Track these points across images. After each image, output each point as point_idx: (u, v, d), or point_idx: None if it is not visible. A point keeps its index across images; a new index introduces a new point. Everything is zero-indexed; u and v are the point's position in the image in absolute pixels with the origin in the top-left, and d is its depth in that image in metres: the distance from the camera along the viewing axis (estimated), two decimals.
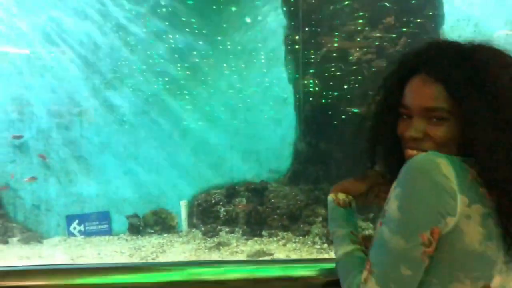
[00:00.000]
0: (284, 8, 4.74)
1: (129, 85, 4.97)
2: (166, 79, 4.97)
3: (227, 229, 4.59)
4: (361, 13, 4.43)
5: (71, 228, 4.68)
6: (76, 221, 4.67)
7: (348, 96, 4.35)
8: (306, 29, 4.50)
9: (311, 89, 4.50)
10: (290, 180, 4.70)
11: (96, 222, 4.68)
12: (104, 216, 4.69)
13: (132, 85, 4.97)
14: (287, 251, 4.21)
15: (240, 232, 4.51)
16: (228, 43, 4.95)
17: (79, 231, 4.68)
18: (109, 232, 4.67)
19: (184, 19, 4.94)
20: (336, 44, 4.46)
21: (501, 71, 0.80)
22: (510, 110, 0.78)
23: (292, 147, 4.76)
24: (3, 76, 4.82)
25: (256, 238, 4.36)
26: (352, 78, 4.36)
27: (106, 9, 4.96)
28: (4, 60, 4.85)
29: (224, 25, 4.93)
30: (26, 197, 4.74)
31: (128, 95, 4.97)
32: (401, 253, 0.75)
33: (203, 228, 4.60)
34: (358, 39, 4.46)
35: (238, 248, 4.25)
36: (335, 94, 4.44)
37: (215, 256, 4.15)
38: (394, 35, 4.41)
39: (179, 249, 4.32)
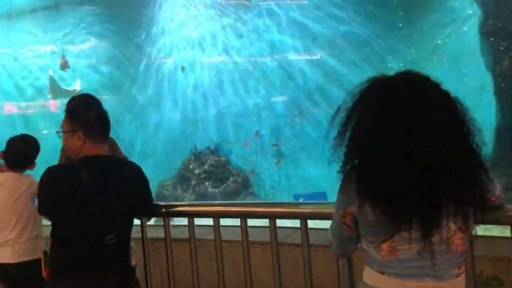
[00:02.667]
0: None
1: None
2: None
3: None
4: None
5: None
6: (301, 199, 5.86)
7: None
8: (501, 15, 4.48)
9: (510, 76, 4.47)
10: (492, 165, 4.76)
11: (316, 200, 5.77)
12: (322, 196, 5.73)
13: None
14: None
15: None
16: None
17: None
18: None
19: None
20: None
21: None
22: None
23: (493, 133, 4.81)
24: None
25: None
26: None
27: None
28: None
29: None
30: (265, 179, 6.22)
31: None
32: (333, 217, 1.47)
33: None
34: None
35: None
36: None
37: None
38: None
39: None
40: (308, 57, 6.01)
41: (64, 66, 7.01)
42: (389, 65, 5.47)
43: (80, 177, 2.12)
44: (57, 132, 2.29)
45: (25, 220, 2.80)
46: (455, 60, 5.17)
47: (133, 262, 2.66)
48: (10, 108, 7.52)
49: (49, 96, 6.99)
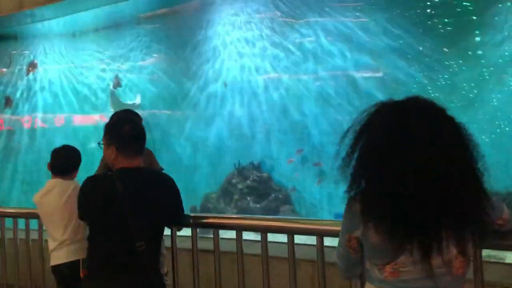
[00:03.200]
0: None
1: None
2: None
3: None
4: None
5: None
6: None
7: None
8: None
9: None
10: None
11: None
12: None
13: None
14: None
15: None
16: None
17: None
18: None
19: None
20: None
21: None
22: None
23: None
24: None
25: None
26: None
27: None
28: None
29: None
30: (306, 197, 6.25)
31: None
32: (339, 241, 1.50)
33: None
34: None
35: None
36: None
37: None
38: None
39: None
40: (357, 74, 6.00)
41: (117, 85, 7.48)
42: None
43: (115, 187, 2.31)
44: (98, 144, 2.52)
45: (75, 221, 3.04)
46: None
47: (165, 269, 2.82)
48: (73, 119, 8.05)
49: (111, 110, 7.40)
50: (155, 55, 7.53)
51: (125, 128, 2.42)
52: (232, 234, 2.50)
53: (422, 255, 1.33)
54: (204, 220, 2.57)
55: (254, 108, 6.62)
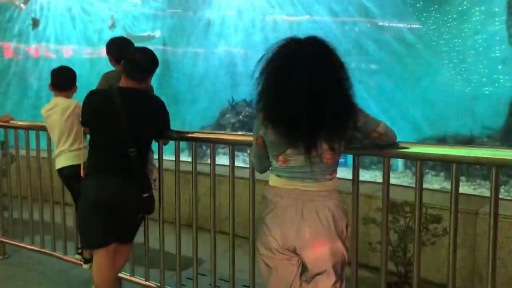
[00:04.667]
0: None
1: None
2: None
3: None
4: None
5: None
6: None
7: None
8: None
9: None
10: (502, 136, 4.98)
11: None
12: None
13: None
14: None
15: None
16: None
17: None
18: None
19: None
20: None
21: None
22: None
23: (508, 105, 4.99)
24: None
25: None
26: None
27: None
28: None
29: None
30: None
31: None
32: (253, 143, 2.07)
33: None
34: None
35: None
36: None
37: None
38: None
39: None
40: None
41: (112, 26, 7.85)
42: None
43: (113, 100, 2.77)
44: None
45: (73, 134, 3.55)
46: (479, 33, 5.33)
47: (153, 176, 3.33)
48: (79, 51, 8.41)
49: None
50: None
51: (135, 55, 2.88)
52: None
53: (305, 149, 1.85)
54: (186, 135, 3.05)
55: (249, 47, 6.95)
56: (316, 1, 6.43)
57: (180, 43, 7.58)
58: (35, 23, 7.99)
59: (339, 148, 1.92)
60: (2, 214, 4.49)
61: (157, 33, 7.62)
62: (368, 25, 6.14)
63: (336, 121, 1.83)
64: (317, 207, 1.91)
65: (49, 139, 3.90)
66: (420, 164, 2.16)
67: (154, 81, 3.13)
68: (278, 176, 1.99)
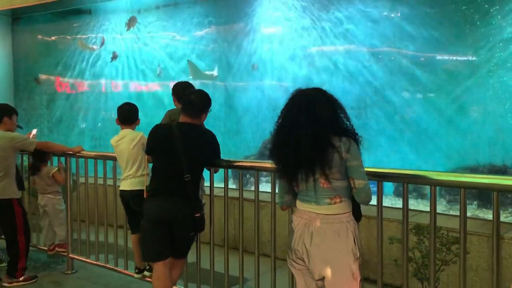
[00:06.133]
0: None
1: None
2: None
3: None
4: None
5: None
6: None
7: None
8: None
9: None
10: None
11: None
12: None
13: None
14: None
15: None
16: None
17: None
18: None
19: None
20: None
21: None
22: None
23: None
24: None
25: None
26: None
27: None
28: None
29: None
30: None
31: None
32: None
33: None
34: None
35: None
36: None
37: None
38: None
39: None
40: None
41: (113, 58, 8.85)
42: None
43: (173, 133, 3.31)
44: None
45: (138, 162, 4.13)
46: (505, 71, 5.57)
47: (203, 201, 3.82)
48: (137, 86, 9.22)
49: (191, 77, 8.44)
50: (207, 30, 8.46)
51: (190, 97, 3.44)
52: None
53: (306, 178, 2.28)
54: (233, 164, 3.52)
55: (289, 83, 7.43)
56: (357, 32, 6.83)
57: (227, 79, 8.19)
58: (114, 56, 8.92)
59: (333, 174, 2.26)
60: (72, 234, 5.10)
61: (215, 72, 8.29)
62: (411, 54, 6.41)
63: (311, 158, 2.24)
64: (322, 227, 2.27)
65: (114, 168, 4.49)
66: (464, 192, 2.39)
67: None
68: (298, 199, 2.45)
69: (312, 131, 2.24)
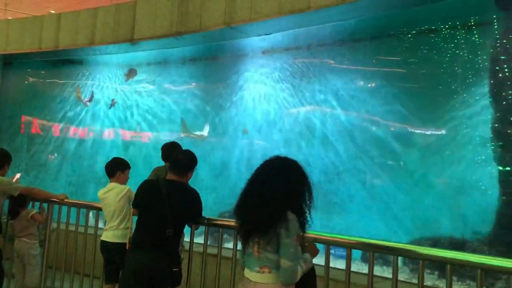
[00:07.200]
0: None
1: None
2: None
3: None
4: None
5: None
6: None
7: None
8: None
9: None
10: (491, 243, 5.51)
11: None
12: None
13: None
14: None
15: None
16: None
17: None
18: None
19: None
20: None
21: None
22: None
23: (495, 215, 5.59)
24: None
25: None
26: None
27: None
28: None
29: None
30: None
31: None
32: None
33: None
34: None
35: None
36: None
37: None
38: None
39: None
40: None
41: (112, 105, 9.18)
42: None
43: (160, 190, 3.55)
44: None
45: (123, 215, 4.32)
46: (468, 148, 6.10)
47: (182, 255, 4.01)
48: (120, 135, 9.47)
49: (182, 134, 8.76)
50: (192, 88, 8.90)
51: (178, 156, 3.72)
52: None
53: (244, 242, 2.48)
54: (214, 222, 3.76)
55: (267, 145, 7.82)
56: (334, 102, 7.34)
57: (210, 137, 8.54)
58: (112, 103, 9.21)
59: (266, 246, 2.35)
60: (45, 281, 5.10)
61: (205, 132, 8.65)
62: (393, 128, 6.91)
63: (256, 225, 2.38)
64: None
65: (97, 217, 4.65)
66: (422, 264, 2.67)
67: None
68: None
69: (262, 200, 2.36)
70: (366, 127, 6.99)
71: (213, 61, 8.55)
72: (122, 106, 9.45)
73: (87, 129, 9.67)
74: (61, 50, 8.42)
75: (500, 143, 5.56)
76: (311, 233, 2.72)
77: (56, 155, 9.85)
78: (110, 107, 9.29)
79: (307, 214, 2.42)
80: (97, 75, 9.63)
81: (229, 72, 8.32)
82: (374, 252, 2.92)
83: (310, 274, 2.48)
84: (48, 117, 9.94)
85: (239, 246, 3.18)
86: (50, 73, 9.99)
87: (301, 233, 2.39)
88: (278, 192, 2.37)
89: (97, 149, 9.32)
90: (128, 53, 8.25)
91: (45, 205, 5.23)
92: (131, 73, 9.07)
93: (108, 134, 9.52)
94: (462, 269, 5.20)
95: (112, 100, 9.25)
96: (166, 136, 8.56)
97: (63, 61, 9.58)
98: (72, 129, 9.77)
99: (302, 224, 2.38)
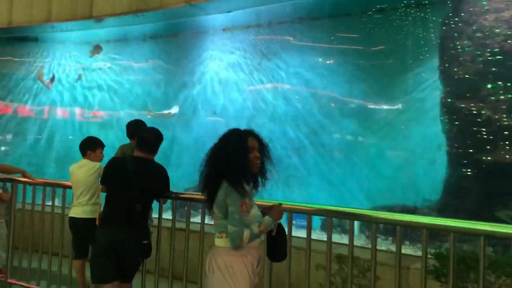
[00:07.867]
0: None
1: None
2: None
3: None
4: None
5: None
6: None
7: None
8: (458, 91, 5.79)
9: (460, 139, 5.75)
10: (440, 211, 5.96)
11: None
12: None
13: None
14: None
15: None
16: None
17: None
18: None
19: None
20: None
21: None
22: None
23: (443, 183, 6.03)
24: None
25: None
26: None
27: None
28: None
29: None
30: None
31: None
32: None
33: None
34: None
35: None
36: None
37: None
38: None
39: None
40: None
41: (78, 79, 9.15)
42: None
43: (127, 165, 3.66)
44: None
45: (92, 191, 4.41)
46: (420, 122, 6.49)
47: (151, 229, 4.15)
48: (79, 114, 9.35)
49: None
50: (153, 65, 8.88)
51: (144, 134, 3.82)
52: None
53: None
54: (181, 195, 3.90)
55: (230, 119, 7.96)
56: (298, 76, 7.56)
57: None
58: (79, 77, 9.03)
59: (219, 213, 2.60)
60: (12, 261, 5.11)
61: (173, 111, 8.68)
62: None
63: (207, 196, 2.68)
64: (211, 256, 2.64)
65: (63, 195, 4.70)
66: (375, 227, 2.93)
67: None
68: None
69: (210, 171, 2.64)
70: (325, 103, 7.24)
71: (174, 38, 8.53)
72: (81, 85, 9.32)
73: (47, 108, 9.48)
74: (15, 27, 8.17)
75: (448, 117, 5.94)
76: (272, 202, 2.90)
77: (13, 135, 9.63)
78: (77, 81, 9.12)
79: (248, 182, 2.62)
80: (55, 53, 9.40)
81: (190, 49, 8.34)
82: (333, 218, 3.15)
83: (281, 235, 2.71)
84: (4, 96, 9.65)
85: (207, 220, 3.34)
86: (5, 51, 9.66)
87: (245, 200, 2.52)
88: (213, 163, 2.63)
89: (56, 129, 9.19)
90: (87, 30, 8.10)
91: (8, 185, 5.22)
92: (96, 49, 8.93)
93: (66, 112, 9.39)
94: (413, 234, 5.61)
95: (79, 75, 9.10)
96: (127, 114, 8.55)
97: (18, 38, 9.29)
98: (29, 108, 9.55)
99: (240, 192, 2.51)
